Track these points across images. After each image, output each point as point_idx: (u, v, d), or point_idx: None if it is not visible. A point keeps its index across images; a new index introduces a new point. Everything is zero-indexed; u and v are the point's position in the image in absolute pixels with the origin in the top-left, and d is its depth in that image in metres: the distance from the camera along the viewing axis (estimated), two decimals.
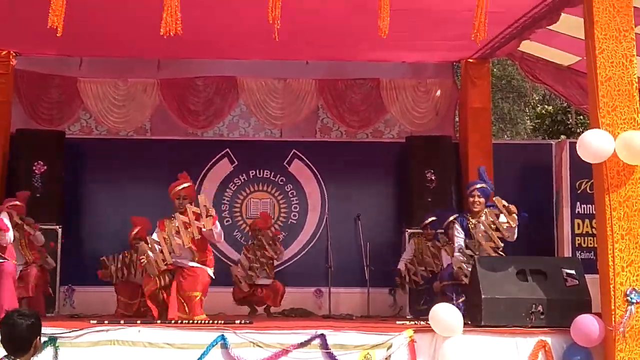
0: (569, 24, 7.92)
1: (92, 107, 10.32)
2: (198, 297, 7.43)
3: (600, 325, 6.35)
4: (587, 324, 6.39)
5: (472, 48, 9.52)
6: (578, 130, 14.52)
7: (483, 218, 7.61)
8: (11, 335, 4.00)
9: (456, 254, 7.80)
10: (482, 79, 10.18)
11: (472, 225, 7.68)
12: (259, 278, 9.31)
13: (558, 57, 9.62)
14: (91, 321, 6.81)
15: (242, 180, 10.24)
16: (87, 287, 9.80)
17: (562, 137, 14.69)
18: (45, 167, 8.91)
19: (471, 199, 7.74)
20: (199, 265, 7.55)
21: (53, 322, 7.01)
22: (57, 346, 6.24)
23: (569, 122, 15.84)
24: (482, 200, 7.75)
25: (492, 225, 7.56)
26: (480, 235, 7.56)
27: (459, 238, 7.77)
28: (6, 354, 4.00)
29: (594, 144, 6.44)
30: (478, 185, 7.80)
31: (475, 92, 10.08)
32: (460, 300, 7.58)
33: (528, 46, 9.33)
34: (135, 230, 8.92)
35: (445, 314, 6.49)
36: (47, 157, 9.33)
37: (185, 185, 7.61)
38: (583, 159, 6.67)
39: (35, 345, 3.99)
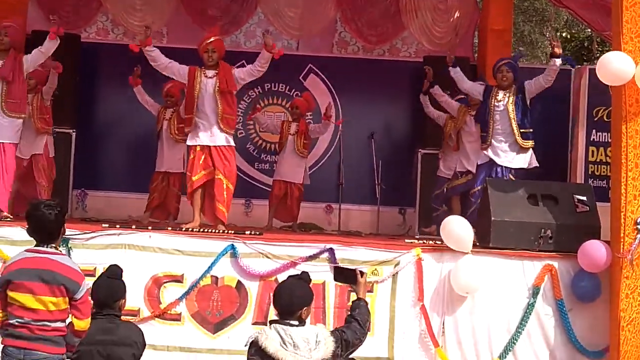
0: None
1: (112, 8, 10.16)
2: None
3: (607, 251, 6.39)
4: (594, 249, 6.43)
5: None
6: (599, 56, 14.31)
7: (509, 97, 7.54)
8: (42, 226, 4.27)
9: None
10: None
11: (495, 95, 7.61)
12: None
13: None
14: (103, 225, 6.89)
15: (257, 93, 10.17)
16: (99, 192, 9.88)
17: (585, 63, 14.49)
18: (60, 70, 8.81)
19: (499, 75, 7.73)
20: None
21: (66, 224, 7.10)
22: (70, 247, 6.34)
23: (592, 50, 15.61)
24: (510, 74, 7.71)
25: (512, 104, 7.52)
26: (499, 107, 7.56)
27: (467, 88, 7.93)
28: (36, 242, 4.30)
29: (614, 65, 6.37)
30: (506, 60, 7.78)
31: (496, 13, 9.93)
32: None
33: None
34: (168, 86, 8.88)
35: (458, 228, 6.51)
36: (61, 60, 9.23)
37: (213, 38, 7.63)
38: (602, 80, 6.61)
39: (62, 232, 4.41)
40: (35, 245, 4.29)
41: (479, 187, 7.62)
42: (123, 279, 4.64)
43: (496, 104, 7.67)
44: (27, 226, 4.38)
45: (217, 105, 7.49)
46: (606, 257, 6.37)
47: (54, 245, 4.32)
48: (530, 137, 7.66)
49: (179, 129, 8.66)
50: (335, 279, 5.12)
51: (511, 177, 7.58)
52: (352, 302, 4.64)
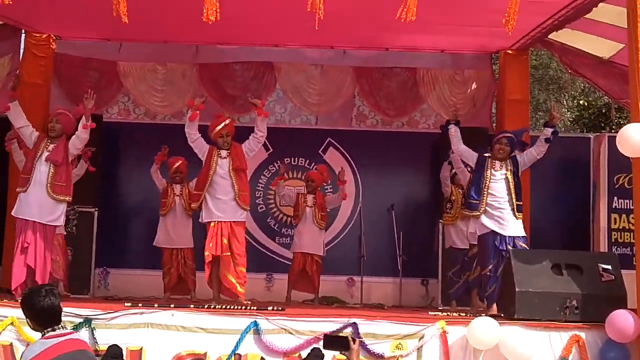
0: (610, 12, 7.81)
1: (132, 90, 10.43)
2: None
3: (636, 321, 6.30)
4: (621, 319, 6.34)
5: (511, 38, 9.41)
6: (621, 123, 14.32)
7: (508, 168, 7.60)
8: (53, 312, 4.21)
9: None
10: (521, 70, 10.06)
11: (492, 165, 7.63)
12: None
13: (597, 44, 9.46)
14: (125, 304, 6.89)
15: (277, 168, 10.25)
16: (122, 270, 9.92)
17: (603, 130, 14.50)
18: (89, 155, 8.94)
19: (497, 146, 7.73)
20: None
21: (88, 303, 7.15)
22: (93, 327, 6.33)
23: (610, 117, 15.64)
24: (508, 148, 7.73)
25: (511, 176, 7.53)
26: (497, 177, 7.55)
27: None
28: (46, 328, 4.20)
29: (634, 137, 6.37)
30: (507, 134, 7.79)
31: (513, 83, 9.96)
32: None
33: (566, 35, 9.18)
34: (177, 164, 8.99)
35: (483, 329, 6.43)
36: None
37: (226, 122, 7.95)
38: (622, 152, 6.59)
39: None
40: (51, 330, 4.24)
41: (493, 265, 7.53)
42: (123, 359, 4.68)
43: (494, 173, 7.67)
44: (27, 314, 4.25)
45: (233, 183, 7.76)
46: (634, 326, 6.28)
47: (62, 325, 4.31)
48: (521, 210, 7.63)
49: (189, 204, 8.80)
50: (325, 347, 5.02)
51: (522, 244, 7.50)
52: None
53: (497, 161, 7.71)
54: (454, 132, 7.99)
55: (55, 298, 4.23)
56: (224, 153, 7.84)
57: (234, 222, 7.75)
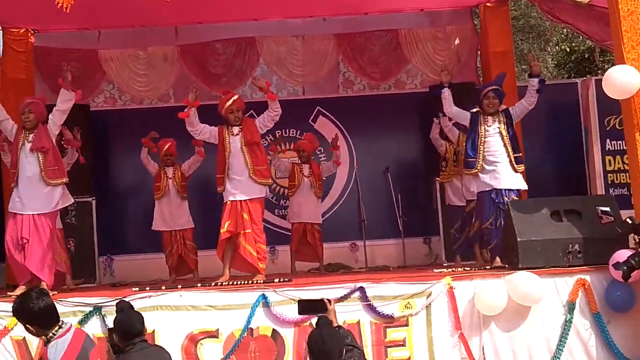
0: None
1: (116, 77, 10.41)
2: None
3: None
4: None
5: None
6: (604, 67, 14.33)
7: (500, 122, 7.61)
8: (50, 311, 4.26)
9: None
10: (502, 22, 10.06)
11: (485, 121, 7.65)
12: None
13: None
14: (133, 289, 6.93)
15: (269, 141, 10.24)
16: (125, 256, 9.94)
17: (588, 75, 14.51)
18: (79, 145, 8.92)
19: (486, 101, 7.72)
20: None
21: (96, 291, 7.18)
22: (104, 315, 6.37)
23: (594, 60, 15.62)
24: (497, 101, 7.72)
25: (505, 130, 7.54)
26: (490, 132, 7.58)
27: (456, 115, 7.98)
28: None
29: (620, 79, 6.40)
30: (492, 87, 7.79)
31: (495, 36, 9.96)
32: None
33: None
34: (167, 146, 8.99)
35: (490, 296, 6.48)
36: (73, 130, 9.34)
37: (235, 98, 7.85)
38: (610, 95, 6.63)
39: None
40: (59, 328, 4.26)
41: (493, 218, 7.56)
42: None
43: (487, 128, 7.65)
44: (26, 319, 4.26)
45: (246, 159, 7.65)
46: None
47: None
48: (521, 162, 7.63)
49: (183, 186, 8.91)
50: (301, 312, 5.02)
51: (514, 198, 7.52)
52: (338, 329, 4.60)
53: (489, 116, 7.70)
54: (447, 95, 7.96)
55: (47, 297, 4.28)
56: (235, 130, 7.72)
57: (250, 199, 7.64)
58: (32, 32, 9.74)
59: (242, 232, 7.55)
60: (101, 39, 10.31)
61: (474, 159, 7.65)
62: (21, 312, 4.29)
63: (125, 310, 4.95)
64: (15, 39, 9.59)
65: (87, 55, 10.35)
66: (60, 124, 7.55)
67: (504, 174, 7.54)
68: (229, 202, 7.63)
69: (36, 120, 7.47)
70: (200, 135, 7.83)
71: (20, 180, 7.33)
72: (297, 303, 5.01)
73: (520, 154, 7.65)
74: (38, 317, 4.23)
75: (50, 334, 4.22)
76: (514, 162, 7.54)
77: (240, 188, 7.63)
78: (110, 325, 4.99)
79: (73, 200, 7.70)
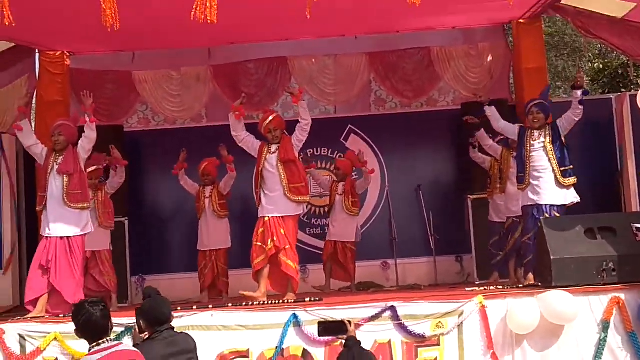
0: None
1: (149, 98, 10.53)
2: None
3: None
4: None
5: (523, 7, 9.37)
6: (639, 82, 14.19)
7: (546, 136, 7.54)
8: (92, 325, 4.22)
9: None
10: (535, 38, 10.00)
11: (531, 135, 7.59)
12: None
13: (610, 6, 9.37)
14: None
15: (300, 160, 10.26)
16: (157, 276, 9.97)
17: (622, 91, 14.38)
18: (108, 162, 9.05)
19: (530, 116, 7.66)
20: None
21: (128, 312, 7.19)
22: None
23: (628, 76, 15.48)
24: (542, 116, 7.65)
25: (550, 144, 7.49)
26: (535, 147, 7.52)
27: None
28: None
29: None
30: (536, 102, 7.72)
31: (528, 52, 9.90)
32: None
33: None
34: (204, 165, 9.07)
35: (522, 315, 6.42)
36: (108, 151, 9.46)
37: (272, 117, 7.88)
38: None
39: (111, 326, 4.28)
40: (95, 345, 4.25)
41: (533, 233, 7.49)
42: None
43: (532, 143, 7.60)
44: (75, 328, 4.31)
45: (281, 177, 7.68)
46: None
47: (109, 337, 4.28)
48: (572, 174, 7.54)
49: (221, 205, 8.95)
50: (321, 334, 4.99)
51: (555, 214, 7.44)
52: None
53: (535, 131, 7.65)
54: (490, 113, 7.94)
55: (96, 311, 4.23)
56: (273, 147, 7.77)
57: (283, 216, 7.66)
58: (67, 54, 9.87)
59: (280, 248, 7.58)
60: (135, 60, 10.45)
61: (522, 175, 7.62)
62: (73, 318, 4.33)
63: (153, 296, 4.91)
64: (51, 62, 9.73)
65: (121, 77, 10.51)
66: (89, 149, 7.59)
67: (546, 189, 7.46)
68: (267, 218, 7.65)
69: (66, 142, 7.52)
70: (242, 142, 7.87)
71: (49, 204, 7.38)
72: (317, 325, 4.98)
73: (570, 167, 7.54)
74: (81, 327, 4.27)
75: (90, 347, 4.23)
76: (558, 177, 7.45)
77: (275, 204, 7.66)
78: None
79: (93, 229, 7.71)
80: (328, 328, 4.86)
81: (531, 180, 7.53)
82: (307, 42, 10.34)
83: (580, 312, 6.42)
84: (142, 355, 4.31)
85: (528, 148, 7.59)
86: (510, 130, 7.92)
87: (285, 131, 7.89)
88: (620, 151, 9.94)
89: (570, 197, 7.51)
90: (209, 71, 10.48)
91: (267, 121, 7.82)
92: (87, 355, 4.22)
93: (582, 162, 9.93)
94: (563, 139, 7.61)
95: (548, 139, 7.54)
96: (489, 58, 10.54)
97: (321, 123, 10.58)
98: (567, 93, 18.41)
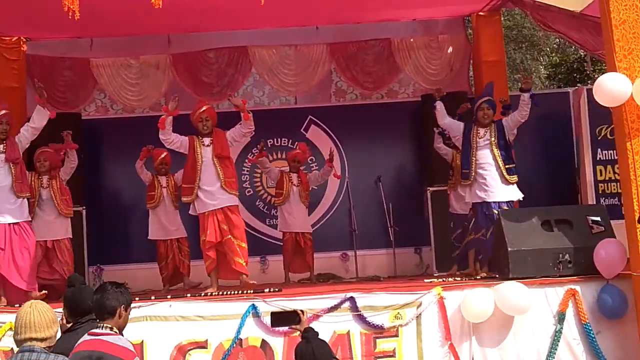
0: None
1: (107, 87, 10.39)
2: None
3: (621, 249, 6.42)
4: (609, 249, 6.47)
5: (482, 1, 9.43)
6: (595, 77, 14.36)
7: (492, 134, 7.61)
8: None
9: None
10: (494, 31, 10.07)
11: (477, 132, 7.65)
12: None
13: (568, 0, 9.47)
14: None
15: (267, 148, 10.24)
16: (115, 266, 9.89)
17: (579, 85, 14.57)
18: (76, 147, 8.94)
19: (480, 112, 7.72)
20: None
21: None
22: None
23: (585, 70, 15.67)
24: (491, 112, 7.73)
25: (495, 141, 7.54)
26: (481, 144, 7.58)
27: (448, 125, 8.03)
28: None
29: (611, 87, 6.40)
30: (485, 98, 7.78)
31: (487, 45, 9.98)
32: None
33: None
34: (162, 156, 9.01)
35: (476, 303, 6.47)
36: (64, 139, 9.33)
37: (205, 107, 7.88)
38: (600, 103, 6.64)
39: (119, 313, 4.17)
40: (94, 328, 4.20)
41: (484, 229, 7.56)
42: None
43: (478, 140, 7.67)
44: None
45: (218, 171, 7.71)
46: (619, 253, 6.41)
47: (109, 325, 4.20)
48: (515, 172, 7.63)
49: (176, 195, 8.90)
50: (274, 325, 4.99)
51: (506, 209, 7.50)
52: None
53: (481, 128, 7.71)
54: (439, 107, 7.99)
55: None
56: (206, 141, 7.78)
57: (226, 206, 7.72)
58: (24, 40, 9.71)
59: (223, 240, 7.62)
60: (94, 47, 10.31)
61: (467, 171, 7.67)
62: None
63: (77, 285, 4.77)
64: (7, 47, 9.57)
65: (79, 64, 10.35)
66: (30, 140, 7.53)
67: (493, 187, 7.54)
68: (206, 212, 7.67)
69: (9, 131, 7.46)
70: (171, 144, 7.86)
71: None
72: (270, 315, 4.96)
73: (513, 165, 7.64)
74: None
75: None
76: (505, 174, 7.54)
77: (214, 198, 7.69)
78: None
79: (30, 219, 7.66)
80: (280, 318, 4.85)
81: (477, 178, 7.60)
82: (268, 32, 10.28)
83: (536, 303, 6.51)
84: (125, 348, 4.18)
85: (474, 145, 7.65)
86: (455, 126, 7.97)
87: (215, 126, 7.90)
88: (577, 144, 10.07)
89: (517, 194, 7.61)
90: (169, 59, 10.36)
91: (201, 110, 7.81)
92: (85, 335, 4.16)
93: (540, 155, 10.11)
94: (508, 137, 7.67)
95: (494, 137, 7.61)
96: (449, 50, 10.58)
97: (281, 113, 10.62)
98: None
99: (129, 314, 4.28)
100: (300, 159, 9.41)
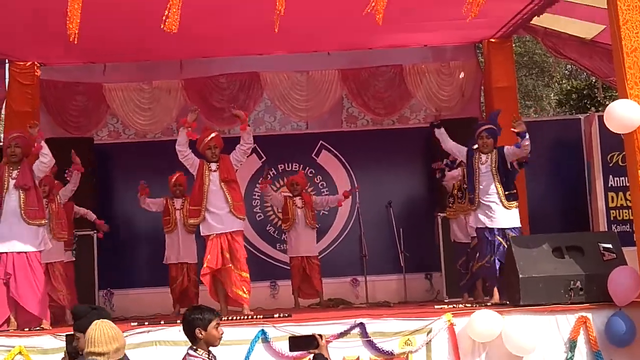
0: None
1: (119, 112, 10.45)
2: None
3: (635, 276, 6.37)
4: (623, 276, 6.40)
5: (494, 27, 9.46)
6: (606, 103, 14.37)
7: (493, 160, 7.61)
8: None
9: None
10: (505, 57, 10.09)
11: (479, 158, 7.65)
12: None
13: (579, 27, 9.50)
14: (132, 323, 6.87)
15: (272, 175, 10.27)
16: (125, 290, 9.93)
17: (592, 109, 14.55)
18: (80, 170, 8.95)
19: (480, 141, 7.69)
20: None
21: None
22: None
23: (596, 97, 15.68)
24: (490, 141, 7.69)
25: (495, 167, 7.56)
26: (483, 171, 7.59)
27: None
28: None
29: (622, 113, 6.40)
30: (486, 127, 7.74)
31: (499, 71, 9.99)
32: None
33: (548, 19, 9.22)
34: (176, 176, 9.07)
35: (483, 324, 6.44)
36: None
37: (213, 135, 7.92)
38: (611, 129, 6.63)
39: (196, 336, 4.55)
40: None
41: (489, 256, 7.54)
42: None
43: (480, 166, 7.66)
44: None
45: (225, 195, 7.73)
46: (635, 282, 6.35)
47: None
48: (515, 198, 7.60)
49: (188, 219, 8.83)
50: (292, 349, 4.97)
51: (511, 234, 7.46)
52: None
53: (483, 155, 7.70)
54: (438, 134, 7.99)
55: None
56: (213, 166, 7.82)
57: (232, 232, 7.75)
58: (38, 65, 9.79)
59: (223, 267, 7.65)
60: (107, 72, 10.38)
61: (472, 195, 7.67)
62: None
63: (88, 314, 4.73)
64: (21, 72, 9.64)
65: (92, 89, 10.42)
66: (44, 172, 7.42)
67: (496, 213, 7.53)
68: (213, 236, 7.71)
69: (22, 155, 7.34)
70: (185, 159, 7.88)
71: (3, 218, 7.18)
72: (288, 340, 4.95)
73: (514, 191, 7.62)
74: None
75: None
76: (503, 200, 7.52)
77: (223, 222, 7.72)
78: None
79: (50, 246, 7.57)
80: (298, 343, 4.82)
81: (482, 202, 7.59)
82: (279, 58, 10.34)
83: (548, 331, 6.46)
84: None
85: (477, 171, 7.65)
86: (459, 150, 7.94)
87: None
88: (588, 171, 10.04)
89: (515, 221, 7.58)
90: (180, 84, 10.43)
91: (208, 138, 7.86)
92: None
93: (551, 182, 10.09)
94: (508, 165, 7.66)
95: (494, 164, 7.60)
96: (461, 76, 10.60)
97: (293, 139, 10.66)
98: (536, 113, 18.61)
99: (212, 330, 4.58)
100: (300, 182, 9.44)
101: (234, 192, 7.82)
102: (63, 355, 4.93)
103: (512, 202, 7.56)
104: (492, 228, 7.51)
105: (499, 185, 7.53)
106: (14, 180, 7.22)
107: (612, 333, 6.35)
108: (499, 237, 7.43)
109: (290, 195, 9.46)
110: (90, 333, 4.11)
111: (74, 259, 8.86)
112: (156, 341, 6.48)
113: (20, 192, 7.21)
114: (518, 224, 7.61)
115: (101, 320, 4.21)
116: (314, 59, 10.46)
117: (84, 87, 10.42)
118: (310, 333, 4.85)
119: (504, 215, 7.52)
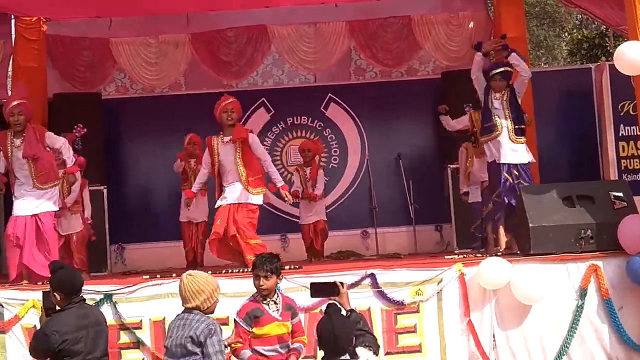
0: None
1: (126, 66, 10.41)
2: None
3: None
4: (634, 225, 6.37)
5: None
6: None
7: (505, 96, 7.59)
8: None
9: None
10: (515, 8, 9.95)
11: (493, 94, 7.61)
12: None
13: None
14: (144, 276, 6.92)
15: (280, 128, 10.25)
16: (136, 244, 9.97)
17: (602, 59, 14.42)
18: (85, 130, 8.94)
19: (493, 82, 7.65)
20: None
21: (107, 280, 7.19)
22: (115, 302, 6.36)
23: (607, 46, 15.52)
24: (503, 83, 7.63)
25: (506, 105, 7.54)
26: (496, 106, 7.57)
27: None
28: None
29: (632, 54, 6.34)
30: (500, 69, 7.66)
31: (508, 22, 9.84)
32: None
33: None
34: (190, 135, 9.06)
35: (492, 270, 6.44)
36: (85, 119, 9.34)
37: (231, 99, 7.59)
38: (621, 71, 6.56)
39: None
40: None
41: (499, 190, 7.51)
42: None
43: (494, 101, 7.63)
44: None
45: (240, 171, 7.46)
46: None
47: None
48: (522, 134, 7.56)
49: None
50: (313, 295, 4.99)
51: (516, 173, 7.46)
52: (349, 313, 4.63)
53: (495, 92, 7.66)
54: (479, 59, 7.87)
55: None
56: (226, 138, 7.48)
57: (243, 204, 7.47)
58: (44, 20, 9.71)
59: (229, 235, 7.42)
60: (113, 27, 10.32)
61: (490, 123, 7.60)
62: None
63: (65, 268, 4.91)
64: (27, 28, 9.55)
65: (98, 44, 10.38)
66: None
67: (505, 147, 7.49)
68: (224, 205, 7.48)
69: (25, 121, 7.20)
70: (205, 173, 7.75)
71: (18, 183, 7.18)
72: (309, 286, 4.98)
73: (523, 126, 7.58)
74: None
75: None
76: (511, 135, 7.48)
77: (236, 194, 7.46)
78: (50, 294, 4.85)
79: (58, 208, 7.49)
80: (320, 288, 4.84)
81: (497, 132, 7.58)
82: (286, 10, 10.26)
83: (558, 279, 6.46)
84: None
85: (491, 104, 7.62)
86: (481, 84, 7.87)
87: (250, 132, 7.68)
88: (599, 120, 9.97)
89: (524, 157, 7.55)
90: (187, 38, 10.36)
91: (228, 101, 7.53)
92: None
93: (562, 131, 10.04)
94: (519, 99, 7.62)
95: (506, 99, 7.57)
96: (470, 26, 10.48)
97: (301, 92, 10.61)
98: (548, 62, 18.45)
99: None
100: (311, 149, 9.35)
101: (248, 167, 7.47)
102: (40, 315, 4.99)
103: (521, 137, 7.52)
104: (500, 163, 7.49)
105: (509, 120, 7.49)
106: (20, 150, 7.12)
107: (633, 272, 6.33)
108: (505, 173, 7.41)
109: (302, 164, 9.36)
110: (180, 291, 4.56)
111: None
112: (168, 293, 6.49)
113: (30, 161, 7.14)
114: (526, 160, 7.56)
115: (188, 272, 4.63)
116: (322, 11, 10.36)
117: (90, 42, 10.38)
118: (331, 280, 4.88)
119: (512, 151, 7.49)
